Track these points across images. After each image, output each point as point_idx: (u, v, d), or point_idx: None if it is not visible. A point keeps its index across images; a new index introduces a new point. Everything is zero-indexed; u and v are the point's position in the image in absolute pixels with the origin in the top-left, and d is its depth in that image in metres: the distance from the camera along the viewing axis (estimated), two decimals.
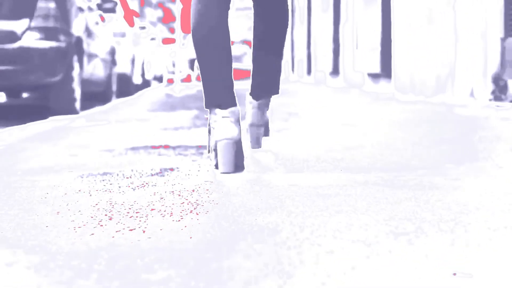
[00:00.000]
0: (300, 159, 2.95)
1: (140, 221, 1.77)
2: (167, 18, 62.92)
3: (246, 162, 2.86)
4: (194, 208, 1.91)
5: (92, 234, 1.64)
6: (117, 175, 2.62)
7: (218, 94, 2.61)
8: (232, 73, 2.68)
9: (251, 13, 48.81)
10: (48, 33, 6.73)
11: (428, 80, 6.55)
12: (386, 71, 8.43)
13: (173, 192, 2.20)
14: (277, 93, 3.08)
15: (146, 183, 2.39)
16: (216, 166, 2.63)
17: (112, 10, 10.27)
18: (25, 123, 6.84)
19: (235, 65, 30.53)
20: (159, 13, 62.20)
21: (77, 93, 7.31)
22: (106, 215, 1.86)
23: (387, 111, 5.55)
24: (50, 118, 6.54)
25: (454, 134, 3.85)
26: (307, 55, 16.28)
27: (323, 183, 2.30)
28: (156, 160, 3.01)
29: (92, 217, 1.84)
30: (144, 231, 1.65)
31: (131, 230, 1.67)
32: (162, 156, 3.14)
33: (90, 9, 8.56)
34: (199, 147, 3.47)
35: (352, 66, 11.12)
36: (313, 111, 5.89)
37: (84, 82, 7.97)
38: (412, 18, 7.19)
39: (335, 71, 12.61)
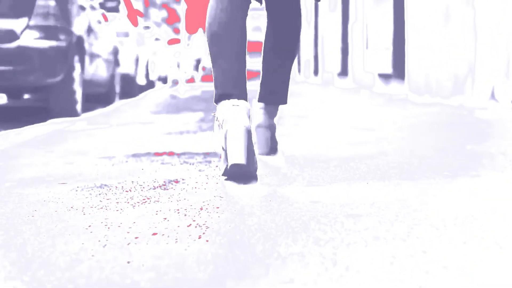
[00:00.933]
0: (319, 167, 2.67)
1: (139, 250, 1.49)
2: (171, 19, 62.67)
3: (259, 172, 2.58)
4: (203, 233, 1.63)
5: (81, 271, 1.36)
6: (116, 187, 2.34)
7: (230, 85, 2.52)
8: (245, 68, 2.60)
9: (256, 13, 48.62)
10: (48, 32, 6.45)
11: (445, 80, 6.26)
12: (398, 71, 8.14)
13: (178, 210, 1.91)
14: (285, 102, 3.00)
15: (148, 198, 2.11)
16: (225, 173, 2.43)
17: (115, 9, 9.99)
18: (23, 126, 6.57)
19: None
20: (164, 13, 61.97)
21: (78, 95, 7.03)
22: (99, 240, 1.58)
23: (403, 113, 5.26)
24: (50, 120, 6.27)
25: (478, 139, 3.56)
26: (314, 56, 16.00)
27: (350, 200, 2.01)
28: (160, 170, 2.73)
29: (83, 243, 1.56)
30: (143, 265, 1.37)
31: (128, 262, 1.39)
32: (166, 165, 2.86)
33: (92, 7, 8.29)
34: (207, 154, 3.19)
35: (361, 67, 10.83)
36: (324, 114, 5.60)
37: (86, 83, 7.70)
38: (427, 16, 6.90)
39: (344, 71, 12.32)
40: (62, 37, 6.56)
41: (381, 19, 8.95)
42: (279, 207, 1.93)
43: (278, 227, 1.67)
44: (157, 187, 2.33)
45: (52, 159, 3.20)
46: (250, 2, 2.68)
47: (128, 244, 1.54)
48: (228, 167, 2.34)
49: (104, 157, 3.25)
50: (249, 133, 2.38)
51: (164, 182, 2.42)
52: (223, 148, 2.42)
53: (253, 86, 15.45)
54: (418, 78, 7.14)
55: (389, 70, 8.45)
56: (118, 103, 9.70)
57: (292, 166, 2.76)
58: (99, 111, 7.80)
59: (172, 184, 2.38)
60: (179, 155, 3.20)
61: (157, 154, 3.27)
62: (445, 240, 1.51)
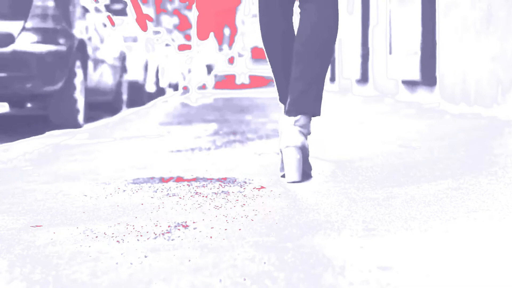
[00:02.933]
0: (371, 208, 2.06)
1: None
2: (183, 25, 62.31)
3: (282, 225, 1.98)
4: None
5: None
6: (103, 235, 1.74)
7: (284, 98, 2.76)
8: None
9: None
10: (46, 35, 5.87)
11: (486, 88, 5.65)
12: (427, 78, 7.51)
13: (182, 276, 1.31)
14: (319, 114, 2.65)
15: (145, 257, 1.50)
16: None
17: (122, 13, 9.42)
18: (19, 138, 5.98)
19: (256, 71, 29.77)
20: (175, 20, 61.65)
21: (80, 104, 6.45)
22: None
23: (442, 126, 4.64)
24: (48, 133, 5.69)
25: None
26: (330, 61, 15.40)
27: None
28: (164, 206, 2.13)
29: None
30: None
31: None
32: (172, 199, 2.25)
33: (97, 10, 7.71)
34: (223, 181, 2.58)
35: (384, 73, 10.21)
36: (353, 127, 4.99)
37: (90, 91, 7.12)
38: (464, 15, 6.29)
39: (364, 78, 11.70)
40: (61, 40, 5.97)
41: (407, 22, 8.33)
42: None
43: None
44: (159, 234, 1.73)
45: (32, 187, 2.61)
46: (293, 10, 2.78)
47: None
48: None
49: (97, 183, 2.65)
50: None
51: (169, 227, 1.82)
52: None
53: (267, 94, 14.84)
54: (453, 85, 6.52)
55: (416, 76, 7.82)
56: (125, 112, 9.12)
57: (331, 199, 2.14)
58: (104, 121, 7.22)
59: (178, 230, 1.78)
60: (189, 182, 2.59)
61: (162, 180, 2.67)
62: None
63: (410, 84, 8.56)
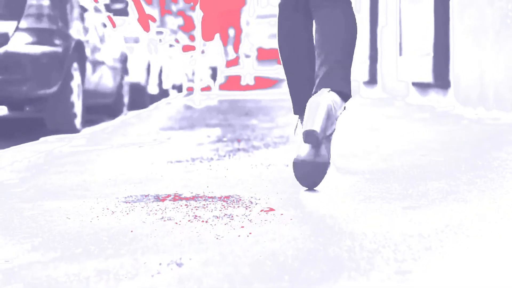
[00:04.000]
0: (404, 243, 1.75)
1: None
2: (187, 26, 61.97)
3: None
4: None
5: None
6: (74, 278, 1.43)
7: (304, 102, 2.71)
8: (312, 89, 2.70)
9: (273, 20, 47.88)
10: (40, 36, 5.58)
11: (506, 91, 5.33)
12: (440, 80, 7.19)
13: None
14: (349, 93, 2.53)
15: None
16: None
17: (123, 12, 9.13)
18: (13, 144, 5.68)
19: (261, 73, 29.57)
20: (180, 21, 61.29)
21: (77, 108, 6.15)
22: None
23: (462, 133, 4.33)
24: (42, 139, 5.39)
25: None
26: None
27: None
28: (157, 233, 1.82)
29: None
30: None
31: None
32: (166, 224, 1.95)
33: (96, 9, 7.42)
34: (226, 200, 2.27)
35: (393, 75, 9.89)
36: (364, 132, 4.68)
37: (88, 94, 6.82)
38: (481, 14, 5.97)
39: (372, 80, 11.38)
40: (57, 41, 5.67)
41: (418, 21, 8.01)
42: None
43: None
44: (150, 276, 1.42)
45: (12, 205, 2.30)
46: (312, 18, 2.73)
47: None
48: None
49: (85, 201, 2.35)
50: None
51: (160, 264, 1.51)
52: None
53: (272, 95, 14.53)
54: (469, 87, 6.20)
55: (428, 78, 7.51)
56: (127, 115, 8.82)
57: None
58: (103, 126, 6.92)
59: (173, 268, 1.47)
60: (187, 201, 2.29)
61: (157, 198, 2.37)
62: None
63: (421, 86, 8.25)
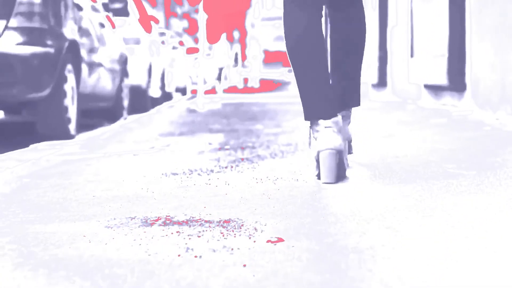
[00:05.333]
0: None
1: None
2: (192, 29, 61.72)
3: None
4: None
5: None
6: None
7: (318, 106, 2.60)
8: (329, 82, 2.63)
9: (278, 23, 47.63)
10: (31, 36, 5.22)
11: None
12: (456, 82, 6.81)
13: None
14: (359, 104, 2.86)
15: None
16: (318, 176, 2.62)
17: (123, 13, 8.78)
18: (2, 151, 5.32)
19: (266, 76, 29.33)
20: (185, 23, 61.03)
21: (72, 112, 5.79)
22: None
23: (487, 140, 3.96)
24: (32, 146, 5.03)
25: None
26: None
27: None
28: (137, 276, 1.45)
29: None
30: None
31: None
32: (152, 260, 1.58)
33: (94, 9, 7.06)
34: (225, 225, 1.91)
35: (404, 77, 9.51)
36: (379, 141, 4.31)
37: (84, 97, 6.46)
38: (502, 13, 5.59)
39: (382, 82, 11.00)
40: (49, 41, 5.32)
41: (432, 21, 7.63)
42: None
43: None
44: None
45: None
46: (322, 10, 2.69)
47: None
48: (321, 181, 2.56)
49: (60, 224, 1.99)
50: (340, 153, 2.54)
51: None
52: (316, 159, 2.57)
53: (276, 98, 14.15)
54: (489, 90, 5.82)
55: (443, 80, 7.13)
56: (128, 119, 8.46)
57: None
58: (100, 131, 6.56)
59: None
60: (180, 226, 1.92)
61: (145, 222, 2.00)
62: None
63: (434, 89, 7.87)
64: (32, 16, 5.25)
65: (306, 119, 2.60)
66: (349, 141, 2.91)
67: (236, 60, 30.27)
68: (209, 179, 2.78)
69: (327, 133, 2.51)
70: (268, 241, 1.71)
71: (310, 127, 2.62)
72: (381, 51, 10.98)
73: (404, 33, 9.42)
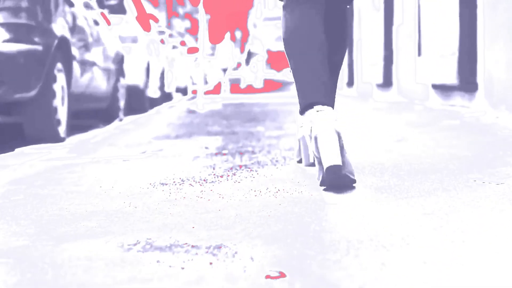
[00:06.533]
0: None
1: None
2: (194, 29, 61.41)
3: None
4: None
5: None
6: None
7: (311, 94, 2.47)
8: (327, 74, 2.51)
9: (279, 23, 47.28)
10: (17, 32, 4.91)
11: None
12: (466, 82, 6.48)
13: None
14: (333, 107, 2.71)
15: None
16: (322, 183, 2.34)
17: (119, 10, 8.46)
18: None
19: (268, 76, 29.09)
20: (187, 23, 60.73)
21: (62, 113, 5.47)
22: None
23: (507, 145, 3.63)
24: (18, 150, 4.71)
25: None
26: (348, 64, 14.37)
27: None
28: None
29: None
30: None
31: None
32: None
33: (87, 5, 6.75)
34: (215, 255, 1.58)
35: (410, 77, 9.18)
36: (390, 146, 3.98)
37: (76, 98, 6.15)
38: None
39: (387, 82, 10.67)
40: (37, 39, 5.00)
41: (441, 18, 7.30)
42: None
43: None
44: None
45: None
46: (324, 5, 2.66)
47: None
48: (325, 171, 2.28)
49: (16, 250, 1.67)
50: (339, 135, 2.33)
51: None
52: (316, 156, 2.37)
53: (278, 99, 13.83)
54: (504, 90, 5.50)
55: (452, 80, 6.80)
56: (124, 120, 8.14)
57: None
58: (93, 133, 6.25)
59: None
60: (160, 254, 1.60)
61: (121, 246, 1.68)
62: None
63: (443, 89, 7.54)
64: (18, 12, 4.94)
65: (301, 113, 2.47)
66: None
67: (249, 58, 29.92)
68: (202, 191, 2.46)
69: (323, 116, 2.35)
70: (267, 277, 1.38)
71: (303, 116, 2.49)
72: (386, 50, 10.64)
73: (411, 31, 9.08)
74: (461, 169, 2.76)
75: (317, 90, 2.46)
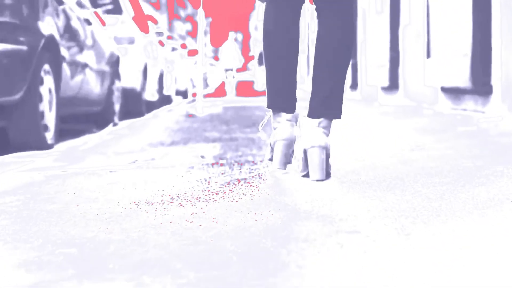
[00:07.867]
0: None
1: None
2: (196, 32, 61.10)
3: None
4: None
5: None
6: None
7: (283, 99, 2.79)
8: (296, 78, 2.79)
9: None
10: (0, 31, 4.55)
11: None
12: (480, 85, 6.12)
13: None
14: (340, 117, 2.76)
15: None
16: (270, 159, 2.88)
17: (115, 10, 8.12)
18: None
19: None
20: (188, 26, 60.43)
21: (49, 118, 5.10)
22: None
23: None
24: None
25: None
26: (352, 66, 14.01)
27: None
28: None
29: None
30: None
31: None
32: None
33: (79, 4, 6.39)
34: None
35: (418, 79, 8.81)
36: (405, 156, 3.62)
37: (67, 102, 5.79)
38: None
39: (393, 85, 10.30)
40: (22, 38, 4.63)
41: (452, 18, 6.94)
42: None
43: None
44: None
45: None
46: (301, 7, 2.79)
47: None
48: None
49: None
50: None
51: None
52: (271, 145, 2.84)
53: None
54: None
55: (465, 83, 6.44)
56: (119, 125, 7.77)
57: None
58: (84, 139, 5.89)
59: None
60: None
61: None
62: None
63: (453, 92, 7.18)
64: (1, 9, 4.58)
65: (268, 107, 2.81)
66: (327, 156, 2.68)
67: (261, 59, 29.53)
68: (192, 214, 2.09)
69: (287, 126, 2.76)
70: None
71: (270, 114, 2.87)
72: (392, 51, 10.27)
73: (419, 32, 8.71)
74: (496, 187, 2.40)
75: (281, 96, 2.81)
